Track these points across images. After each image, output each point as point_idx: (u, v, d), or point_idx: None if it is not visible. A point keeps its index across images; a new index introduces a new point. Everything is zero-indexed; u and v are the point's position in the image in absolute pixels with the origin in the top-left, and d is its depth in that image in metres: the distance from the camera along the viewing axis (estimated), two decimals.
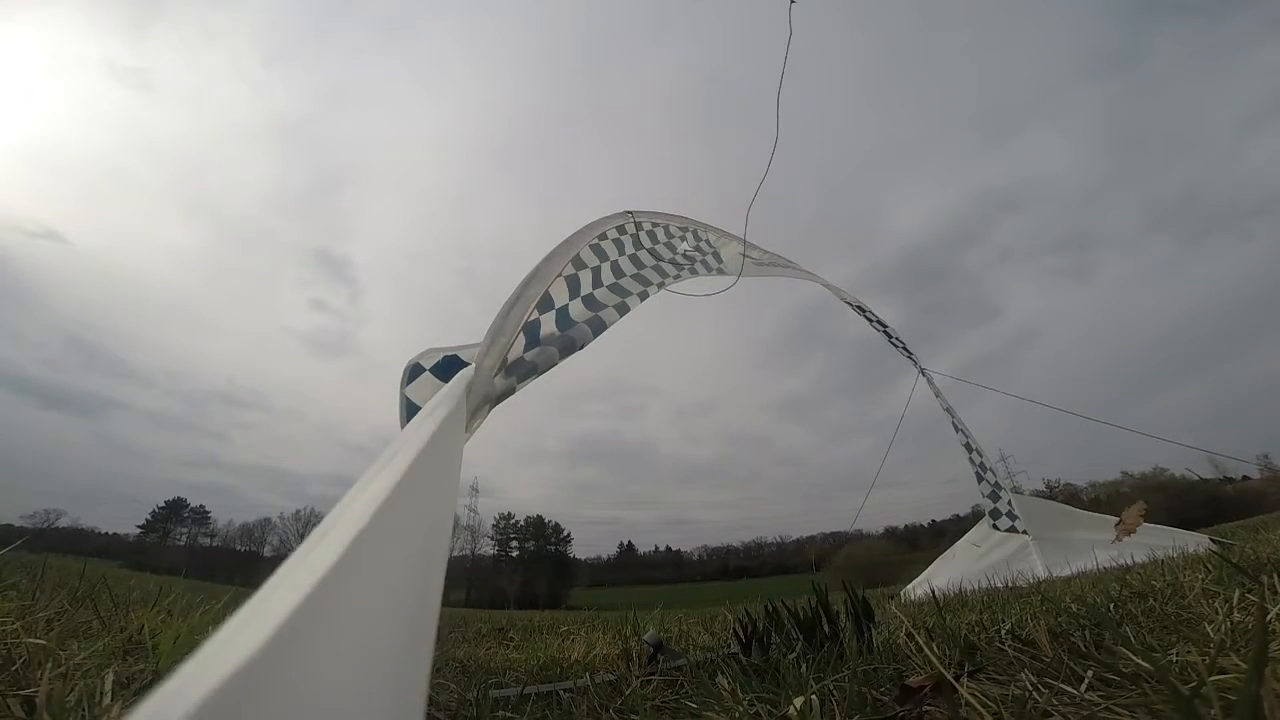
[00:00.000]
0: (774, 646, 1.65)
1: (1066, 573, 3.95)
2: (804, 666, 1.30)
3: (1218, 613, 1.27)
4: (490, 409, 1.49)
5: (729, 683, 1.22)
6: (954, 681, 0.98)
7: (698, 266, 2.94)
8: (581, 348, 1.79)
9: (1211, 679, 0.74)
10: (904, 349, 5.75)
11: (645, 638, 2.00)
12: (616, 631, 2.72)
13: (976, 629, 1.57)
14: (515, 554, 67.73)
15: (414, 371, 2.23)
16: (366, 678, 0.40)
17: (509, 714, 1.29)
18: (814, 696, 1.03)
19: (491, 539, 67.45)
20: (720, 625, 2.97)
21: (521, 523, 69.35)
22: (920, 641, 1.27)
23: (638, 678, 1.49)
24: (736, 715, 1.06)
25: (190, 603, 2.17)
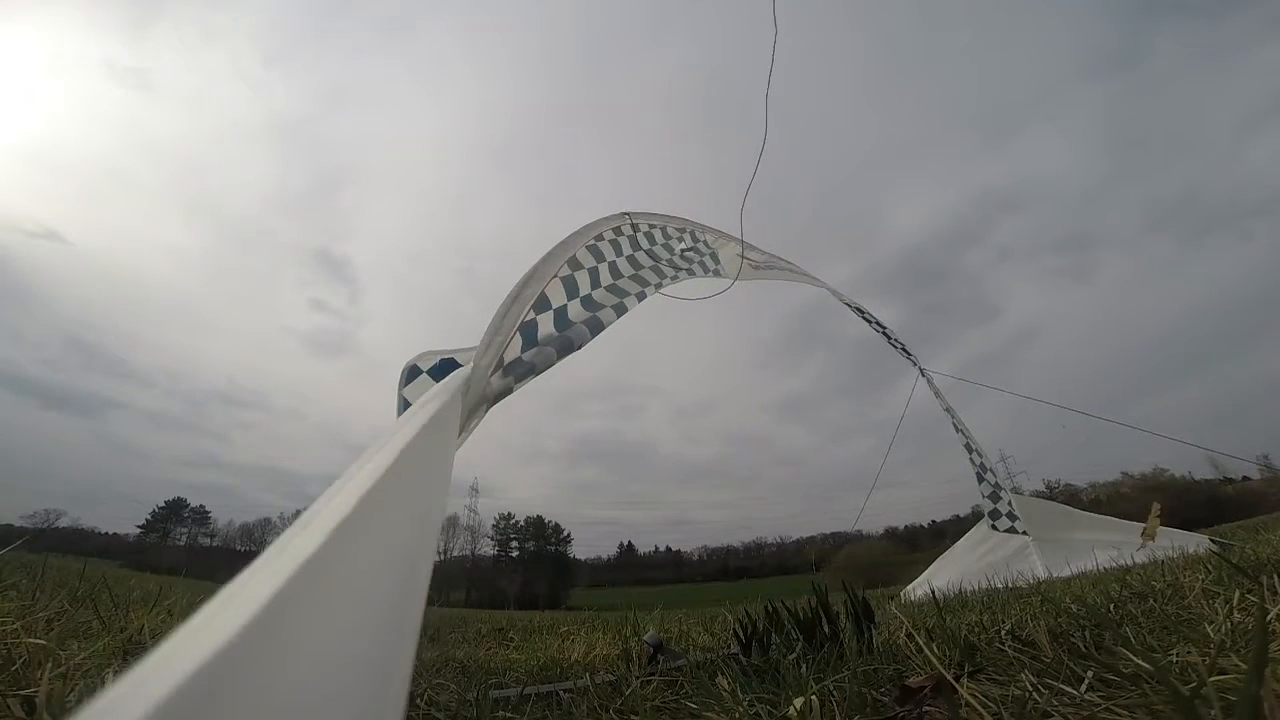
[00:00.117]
0: (774, 647, 1.65)
1: (1066, 573, 3.95)
2: (804, 667, 1.30)
3: (1218, 613, 1.27)
4: (488, 409, 1.49)
5: (729, 683, 1.22)
6: (954, 682, 0.98)
7: (695, 268, 2.94)
8: (579, 348, 1.79)
9: (1211, 679, 0.74)
10: (903, 350, 5.75)
11: (645, 638, 2.00)
12: (616, 632, 2.72)
13: (976, 629, 1.57)
14: (515, 554, 67.72)
15: (411, 373, 2.24)
16: (343, 670, 0.40)
17: (509, 714, 1.28)
18: (814, 697, 1.03)
19: (491, 539, 67.50)
20: (720, 626, 2.96)
21: (521, 523, 69.38)
22: (920, 642, 1.27)
23: (638, 678, 1.49)
24: (736, 716, 1.06)
25: (190, 603, 2.17)
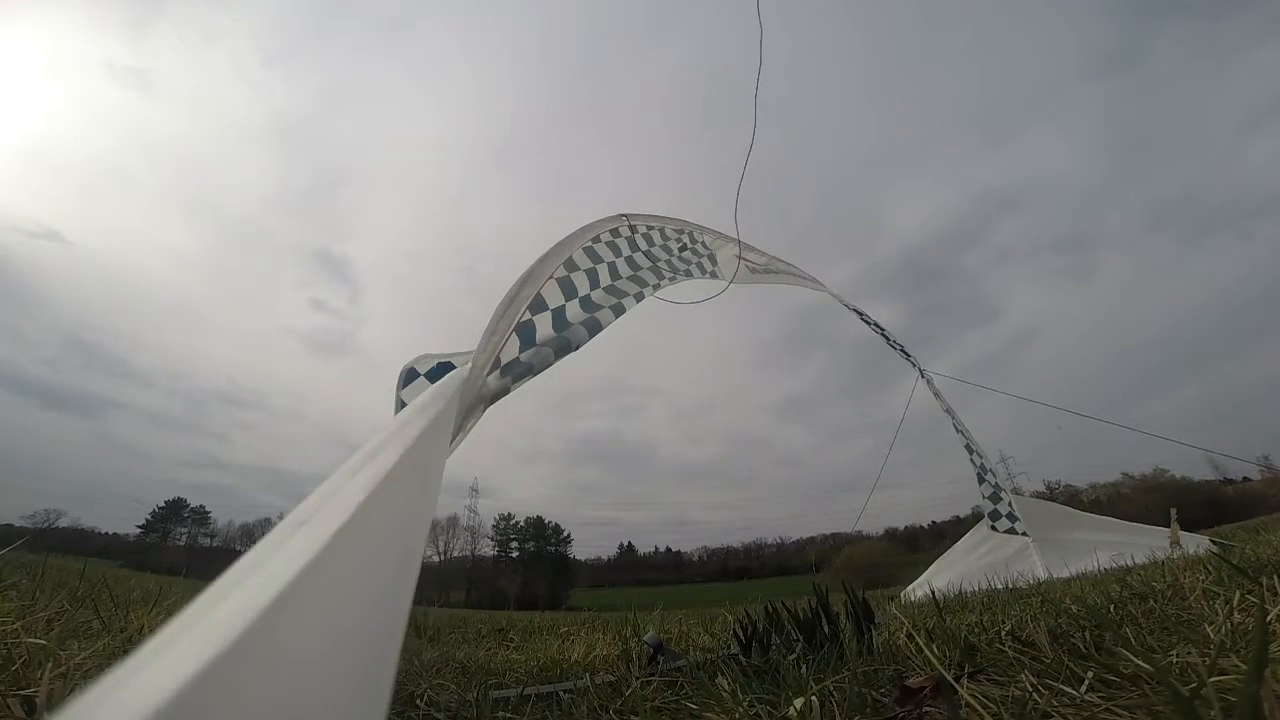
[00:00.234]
0: (774, 647, 1.65)
1: (1066, 574, 3.95)
2: (804, 667, 1.30)
3: (1218, 614, 1.27)
4: (485, 409, 1.50)
5: (729, 684, 1.22)
6: (954, 682, 0.98)
7: (693, 269, 2.94)
8: (577, 349, 1.80)
9: (1211, 680, 0.74)
10: (903, 351, 5.76)
11: (645, 639, 2.00)
12: (616, 632, 2.72)
13: (976, 630, 1.57)
14: (515, 555, 67.73)
15: (409, 375, 2.24)
16: (334, 673, 0.40)
17: (509, 714, 1.29)
18: (814, 697, 1.03)
19: (491, 539, 67.49)
20: (720, 626, 2.96)
21: (521, 523, 69.39)
22: (920, 642, 1.28)
23: (638, 679, 1.49)
24: (736, 716, 1.06)
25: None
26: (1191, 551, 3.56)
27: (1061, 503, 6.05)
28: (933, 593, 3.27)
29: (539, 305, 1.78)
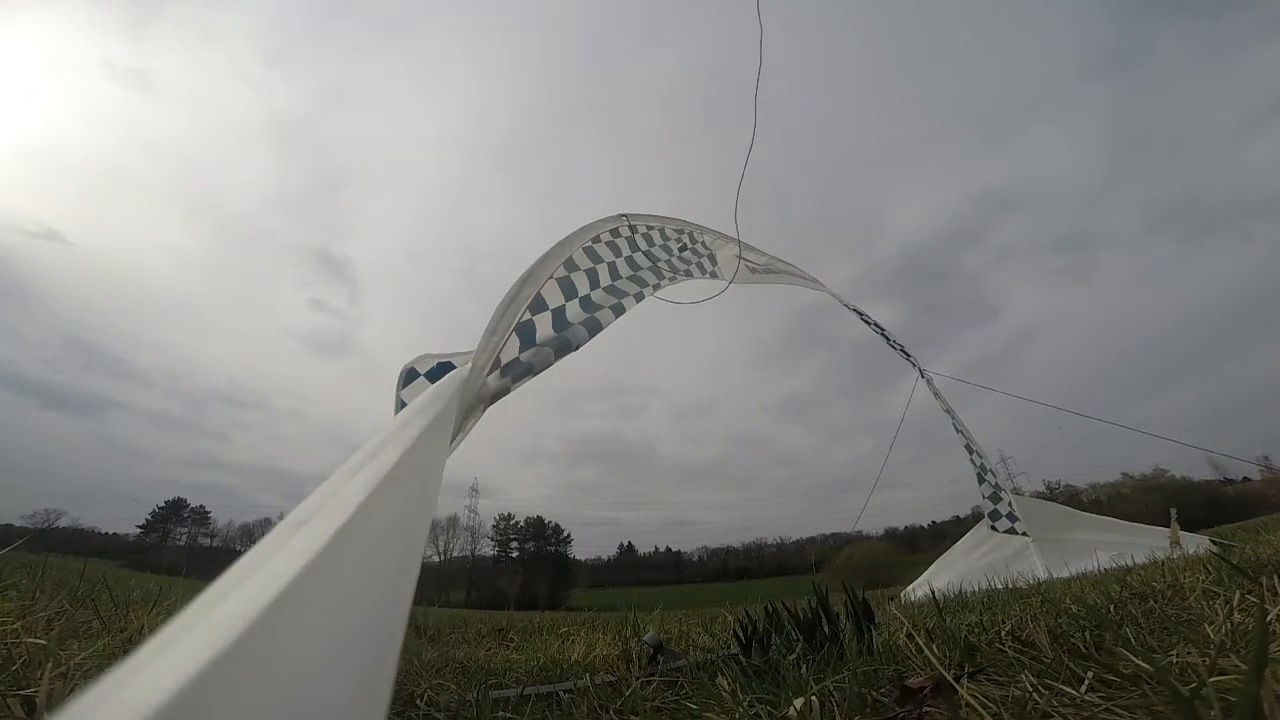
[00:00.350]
0: (774, 647, 1.65)
1: (1066, 574, 3.96)
2: (804, 667, 1.30)
3: (1218, 614, 1.27)
4: (484, 409, 1.50)
5: (729, 684, 1.22)
6: (954, 682, 0.98)
7: (693, 269, 2.95)
8: (577, 349, 1.80)
9: (1211, 680, 0.74)
10: (902, 351, 5.76)
11: (645, 639, 2.00)
12: (616, 632, 2.72)
13: (976, 630, 1.57)
14: (515, 554, 67.72)
15: (409, 376, 2.25)
16: (335, 674, 0.40)
17: (509, 715, 1.29)
18: (814, 697, 1.03)
19: (491, 539, 67.48)
20: (720, 626, 2.96)
21: (521, 523, 69.38)
22: (920, 642, 1.28)
23: (638, 679, 1.49)
24: (737, 716, 1.06)
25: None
26: (1191, 551, 3.56)
27: (1061, 503, 6.06)
28: (933, 593, 3.27)
29: (539, 305, 1.79)
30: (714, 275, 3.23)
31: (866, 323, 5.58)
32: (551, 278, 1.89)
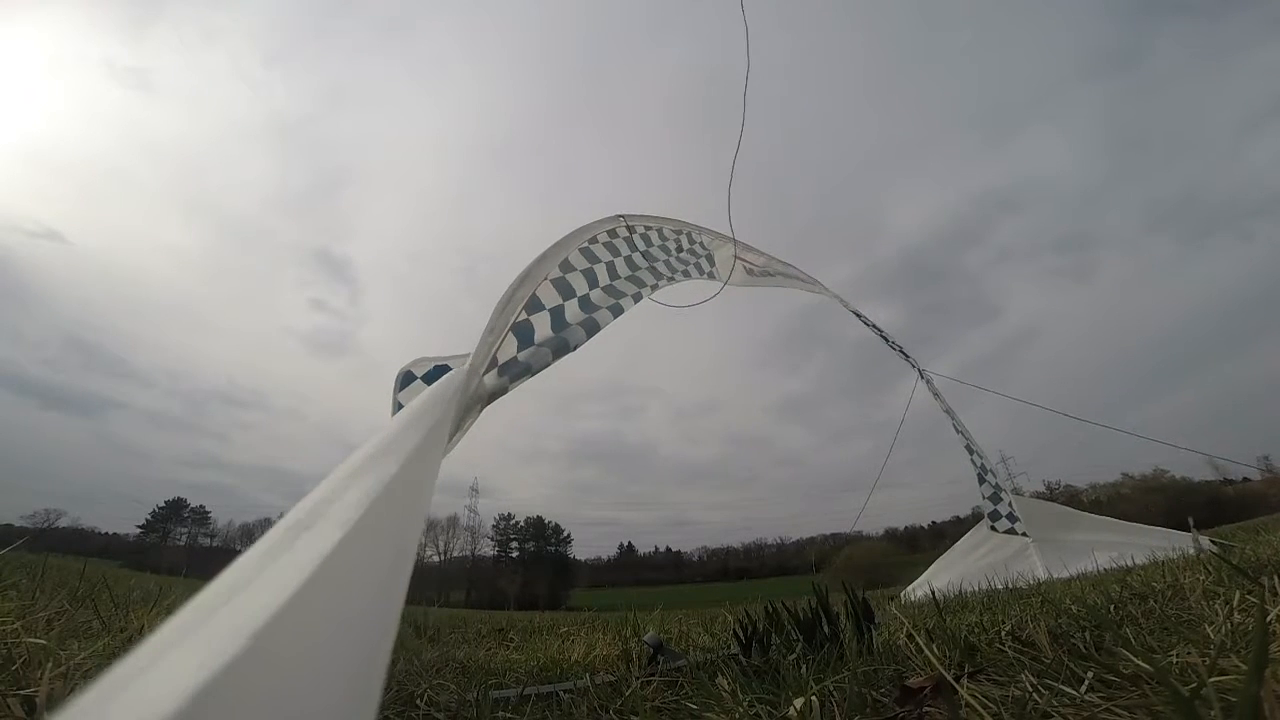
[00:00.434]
0: (774, 647, 1.65)
1: (1066, 574, 3.95)
2: (804, 667, 1.30)
3: (1218, 614, 1.27)
4: (482, 408, 1.50)
5: (729, 684, 1.22)
6: (954, 682, 0.98)
7: (691, 269, 2.95)
8: (575, 349, 1.80)
9: (1211, 680, 0.74)
10: (902, 353, 5.76)
11: (645, 639, 2.00)
12: (616, 632, 2.72)
13: (976, 630, 1.57)
14: (515, 554, 67.70)
15: (406, 379, 2.25)
16: (331, 676, 0.40)
17: (509, 714, 1.28)
18: (814, 697, 1.03)
19: (491, 539, 67.47)
20: (720, 626, 2.96)
21: (521, 523, 69.36)
22: (920, 642, 1.27)
23: (638, 679, 1.49)
24: (737, 716, 1.06)
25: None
26: (1193, 552, 3.56)
27: (1061, 503, 6.05)
28: (933, 593, 3.27)
29: (536, 305, 1.79)
30: (712, 276, 3.23)
31: (866, 324, 5.58)
32: (548, 278, 1.90)
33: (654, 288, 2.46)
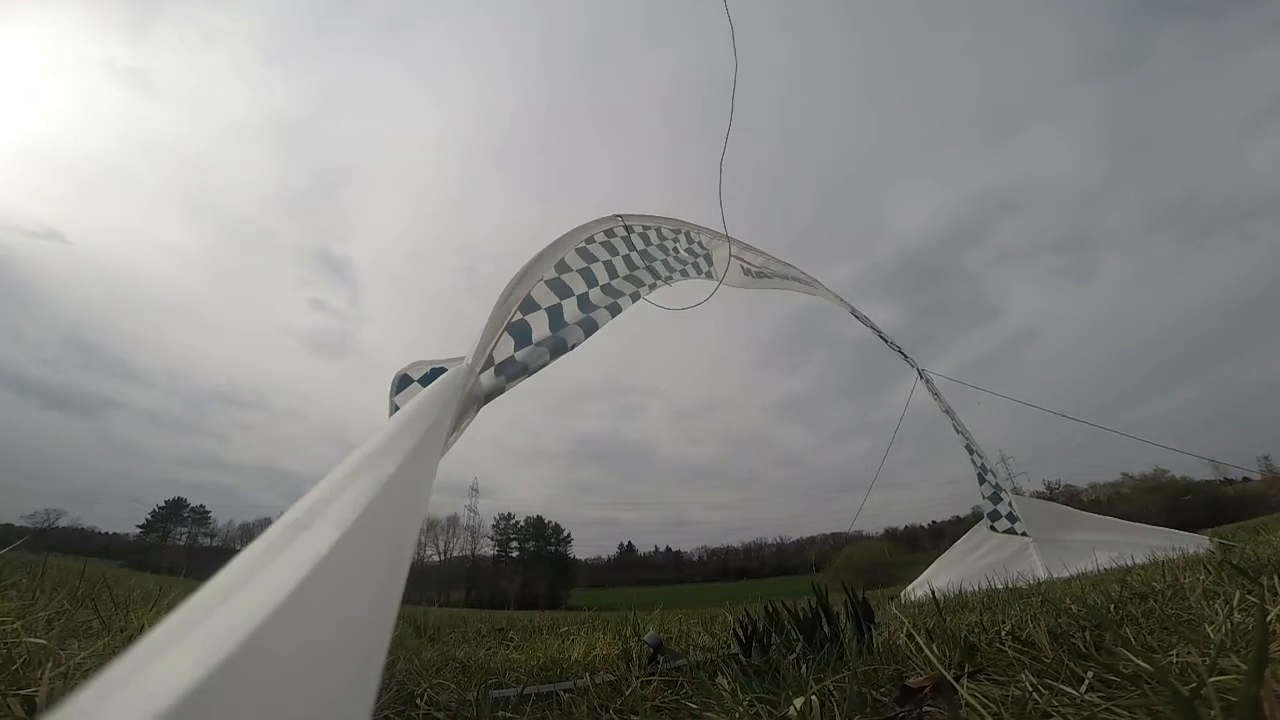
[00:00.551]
0: (774, 647, 1.65)
1: (1066, 574, 3.95)
2: (804, 667, 1.30)
3: (1218, 614, 1.27)
4: (479, 408, 1.50)
5: (729, 683, 1.22)
6: (954, 682, 0.98)
7: (689, 269, 2.95)
8: (572, 348, 1.80)
9: (1211, 680, 0.74)
10: (901, 353, 5.76)
11: (645, 638, 2.00)
12: (616, 632, 2.72)
13: (976, 630, 1.57)
14: (515, 554, 67.70)
15: (402, 382, 2.26)
16: (328, 675, 0.40)
17: (509, 714, 1.28)
18: (814, 697, 1.03)
19: (491, 539, 67.45)
20: (720, 626, 2.96)
21: (521, 523, 69.36)
22: (920, 642, 1.27)
23: (638, 678, 1.49)
24: (736, 716, 1.06)
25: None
26: (1191, 551, 3.57)
27: (1061, 503, 6.05)
28: (933, 593, 3.27)
29: (533, 305, 1.78)
30: (709, 275, 3.23)
31: (866, 325, 5.58)
32: (543, 279, 1.89)
33: (652, 287, 2.46)
